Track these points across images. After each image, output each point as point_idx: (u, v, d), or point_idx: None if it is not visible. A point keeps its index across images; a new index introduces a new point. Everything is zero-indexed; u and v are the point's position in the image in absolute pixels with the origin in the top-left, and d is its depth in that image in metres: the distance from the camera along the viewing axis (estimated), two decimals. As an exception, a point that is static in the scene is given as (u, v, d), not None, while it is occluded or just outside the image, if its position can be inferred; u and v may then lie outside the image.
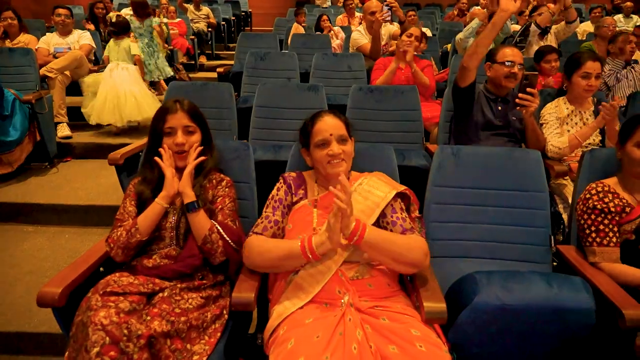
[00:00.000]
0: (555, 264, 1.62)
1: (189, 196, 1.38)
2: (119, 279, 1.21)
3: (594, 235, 1.49)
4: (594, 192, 1.52)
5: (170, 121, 1.46)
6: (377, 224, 1.40)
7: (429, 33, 5.79)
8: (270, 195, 1.49)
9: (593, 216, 1.50)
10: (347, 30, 5.61)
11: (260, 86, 2.64)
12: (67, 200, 2.71)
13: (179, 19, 6.76)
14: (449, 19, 7.14)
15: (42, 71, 3.55)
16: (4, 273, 2.17)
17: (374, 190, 1.42)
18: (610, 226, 1.48)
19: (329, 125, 1.44)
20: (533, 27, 3.96)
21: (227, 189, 1.50)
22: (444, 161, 1.64)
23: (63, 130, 3.57)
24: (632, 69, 3.33)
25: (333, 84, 3.44)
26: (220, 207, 1.45)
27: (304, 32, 6.06)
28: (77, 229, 2.63)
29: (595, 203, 1.50)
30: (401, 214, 1.40)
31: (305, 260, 1.24)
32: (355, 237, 1.20)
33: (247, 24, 11.01)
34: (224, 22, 8.29)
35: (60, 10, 4.05)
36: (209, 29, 7.45)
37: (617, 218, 1.48)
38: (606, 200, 1.49)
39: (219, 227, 1.36)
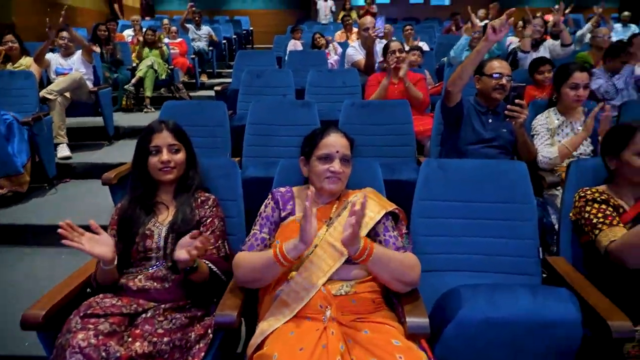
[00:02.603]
0: (545, 275, 1.61)
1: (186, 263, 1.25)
2: (101, 301, 1.22)
3: (602, 219, 1.42)
4: (588, 191, 1.51)
5: (155, 140, 1.48)
6: None
7: (425, 47, 5.84)
8: (259, 212, 1.51)
9: (596, 205, 1.46)
10: (345, 45, 5.68)
11: (253, 104, 2.67)
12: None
13: (180, 39, 6.88)
14: (447, 33, 7.20)
15: (42, 93, 3.61)
16: (2, 294, 2.18)
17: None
18: (615, 214, 1.43)
19: (338, 142, 1.48)
20: (519, 53, 4.01)
21: (214, 209, 1.52)
22: (430, 175, 1.64)
23: (63, 151, 3.62)
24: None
25: (328, 100, 3.47)
26: (211, 229, 1.47)
27: (301, 49, 6.14)
28: (74, 250, 2.64)
29: (594, 196, 1.48)
30: (393, 232, 1.42)
31: (280, 267, 1.24)
32: (364, 255, 1.21)
33: (249, 42, 11.18)
34: (225, 41, 8.42)
35: (64, 33, 4.15)
36: (210, 48, 7.57)
37: (614, 213, 1.44)
38: (603, 197, 1.48)
39: (214, 267, 1.37)
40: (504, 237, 1.60)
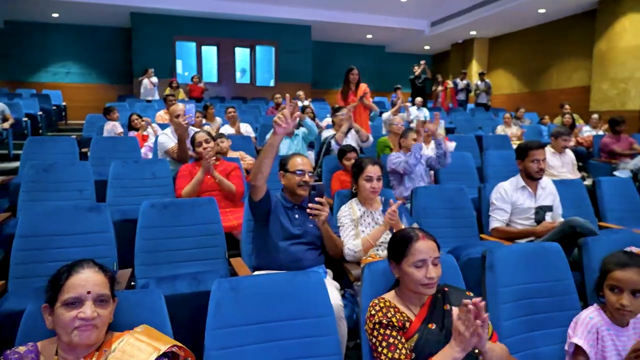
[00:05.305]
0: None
1: None
2: None
3: (385, 351, 1.43)
4: (377, 308, 1.50)
5: None
6: None
7: (249, 129, 5.96)
8: None
9: (382, 330, 1.45)
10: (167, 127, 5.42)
11: (24, 213, 2.19)
12: None
13: (-42, 118, 5.78)
14: (270, 113, 7.52)
15: None
16: None
17: (128, 359, 1.17)
18: (399, 337, 1.45)
19: (90, 280, 1.20)
20: (333, 144, 4.31)
21: None
22: (222, 299, 1.47)
23: None
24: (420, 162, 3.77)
25: (135, 194, 3.14)
26: None
27: (120, 130, 5.68)
28: None
29: (381, 318, 1.47)
30: None
31: None
32: None
33: (62, 119, 10.10)
34: (26, 118, 7.38)
35: None
36: (4, 127, 6.54)
37: (401, 333, 1.46)
38: (389, 315, 1.47)
39: None
40: (305, 357, 1.48)
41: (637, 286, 1.49)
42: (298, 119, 2.19)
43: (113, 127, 5.79)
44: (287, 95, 2.38)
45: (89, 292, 1.17)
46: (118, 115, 6.08)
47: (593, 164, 5.59)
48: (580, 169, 5.09)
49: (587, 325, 1.56)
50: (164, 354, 1.21)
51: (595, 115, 7.26)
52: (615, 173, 5.13)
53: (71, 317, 1.14)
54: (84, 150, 5.35)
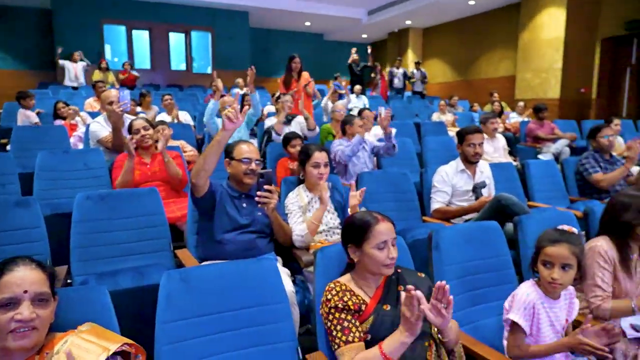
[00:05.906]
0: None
1: None
2: None
3: (340, 334, 1.44)
4: (333, 292, 1.51)
5: None
6: None
7: (187, 117, 5.75)
8: None
9: (337, 314, 1.47)
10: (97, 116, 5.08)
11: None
12: None
13: None
14: (208, 101, 7.29)
15: None
16: None
17: None
18: (353, 321, 1.46)
19: (27, 278, 1.10)
20: (274, 135, 4.28)
21: None
22: (173, 291, 1.41)
23: None
24: (364, 149, 3.83)
25: (67, 186, 2.93)
26: None
27: (36, 121, 5.24)
28: None
29: (337, 302, 1.48)
30: None
31: None
32: None
33: (-27, 107, 9.16)
34: None
35: None
36: None
37: (356, 316, 1.48)
38: (345, 299, 1.49)
39: None
40: (261, 345, 1.47)
41: (567, 261, 1.61)
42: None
43: (27, 118, 5.23)
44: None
45: (25, 292, 1.08)
46: (34, 103, 5.44)
47: (520, 148, 5.99)
48: (508, 153, 5.43)
49: (524, 302, 1.66)
50: (114, 353, 1.14)
51: (520, 103, 7.76)
52: (540, 156, 5.54)
53: (6, 319, 1.05)
54: (2, 141, 4.92)
